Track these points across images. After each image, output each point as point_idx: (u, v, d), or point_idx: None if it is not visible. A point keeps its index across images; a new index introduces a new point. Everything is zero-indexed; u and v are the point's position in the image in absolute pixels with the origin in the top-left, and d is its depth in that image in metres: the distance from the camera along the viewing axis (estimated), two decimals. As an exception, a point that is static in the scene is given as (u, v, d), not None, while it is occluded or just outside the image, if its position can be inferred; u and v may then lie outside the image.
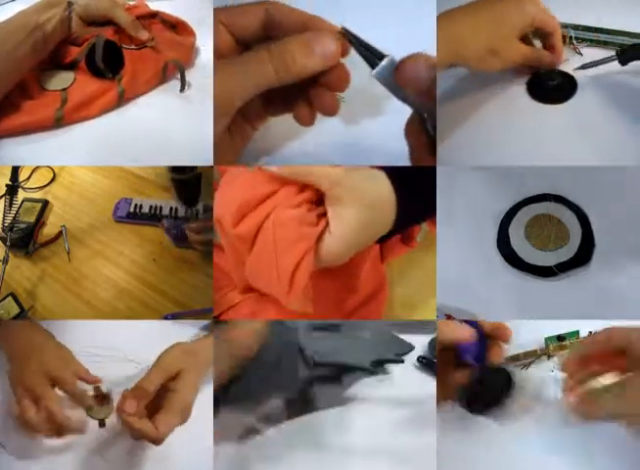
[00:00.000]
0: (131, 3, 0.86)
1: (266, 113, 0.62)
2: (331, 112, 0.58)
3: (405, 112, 0.56)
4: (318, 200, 0.55)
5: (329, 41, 0.53)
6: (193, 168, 0.86)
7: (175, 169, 0.85)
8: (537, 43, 0.74)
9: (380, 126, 0.69)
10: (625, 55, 0.72)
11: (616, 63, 0.72)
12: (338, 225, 0.53)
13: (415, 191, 0.57)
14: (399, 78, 0.52)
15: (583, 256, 0.70)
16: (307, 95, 0.58)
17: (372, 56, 0.53)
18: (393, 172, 0.56)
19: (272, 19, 0.56)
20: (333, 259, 0.55)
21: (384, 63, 0.53)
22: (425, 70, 0.51)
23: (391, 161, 0.57)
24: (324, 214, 0.55)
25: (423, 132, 0.54)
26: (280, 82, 0.54)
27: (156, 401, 0.58)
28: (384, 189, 0.55)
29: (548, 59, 0.73)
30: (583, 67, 0.74)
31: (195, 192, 0.86)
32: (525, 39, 0.71)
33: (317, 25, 0.55)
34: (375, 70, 0.54)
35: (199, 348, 0.65)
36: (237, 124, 0.60)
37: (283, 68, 0.52)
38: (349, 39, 0.54)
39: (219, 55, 0.57)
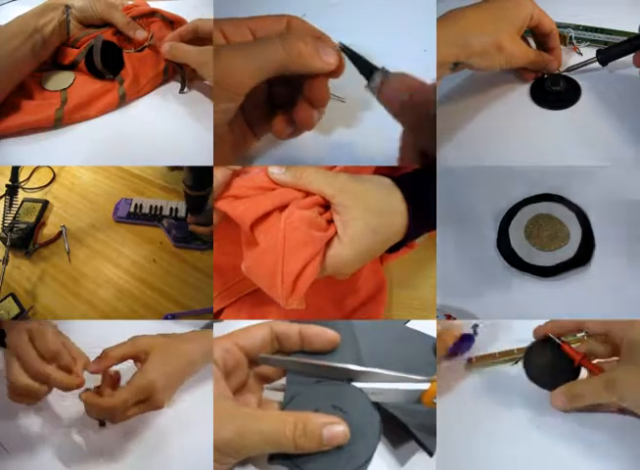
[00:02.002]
0: (130, 2, 0.85)
1: (269, 123, 0.63)
2: (309, 126, 0.60)
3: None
4: (327, 204, 0.56)
5: (333, 52, 0.55)
6: (207, 185, 0.87)
7: (190, 186, 0.86)
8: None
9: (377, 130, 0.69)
10: (604, 54, 0.72)
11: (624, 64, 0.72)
12: (346, 232, 0.54)
13: (424, 198, 0.58)
14: (381, 97, 0.55)
15: (583, 256, 0.70)
16: (288, 109, 0.60)
17: (366, 69, 0.56)
18: (401, 180, 0.57)
19: (291, 30, 0.59)
20: (341, 267, 0.56)
21: (375, 76, 0.55)
22: (403, 91, 0.53)
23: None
24: (332, 220, 0.55)
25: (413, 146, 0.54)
26: (289, 67, 0.54)
27: None
28: (392, 196, 0.56)
29: (553, 63, 0.73)
30: (568, 70, 0.74)
31: (203, 204, 0.89)
32: (523, 40, 0.70)
33: (327, 42, 0.58)
34: (367, 83, 0.56)
35: (183, 336, 0.66)
36: (240, 128, 0.60)
37: (295, 51, 0.54)
38: (346, 53, 0.56)
39: None
